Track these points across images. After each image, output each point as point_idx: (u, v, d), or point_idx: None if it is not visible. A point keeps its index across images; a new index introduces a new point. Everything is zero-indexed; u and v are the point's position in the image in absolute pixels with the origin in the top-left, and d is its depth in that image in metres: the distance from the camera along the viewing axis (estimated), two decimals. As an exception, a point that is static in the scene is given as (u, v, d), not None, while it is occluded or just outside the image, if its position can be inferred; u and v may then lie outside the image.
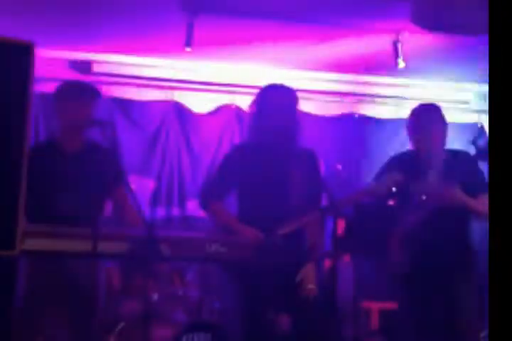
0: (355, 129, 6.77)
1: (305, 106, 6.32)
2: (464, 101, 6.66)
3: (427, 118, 3.70)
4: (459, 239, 3.64)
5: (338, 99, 6.74)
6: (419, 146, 3.73)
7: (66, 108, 3.51)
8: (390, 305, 5.96)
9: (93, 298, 3.42)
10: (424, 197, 3.57)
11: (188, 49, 5.30)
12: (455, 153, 3.75)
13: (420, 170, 3.66)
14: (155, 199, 6.19)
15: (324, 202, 3.47)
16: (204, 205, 3.64)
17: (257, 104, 3.63)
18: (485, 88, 6.57)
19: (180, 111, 6.49)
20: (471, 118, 6.80)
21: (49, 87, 5.70)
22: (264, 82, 3.78)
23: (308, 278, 3.49)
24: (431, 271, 3.55)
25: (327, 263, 4.92)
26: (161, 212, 6.20)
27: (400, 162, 3.80)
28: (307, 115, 6.44)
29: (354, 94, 6.74)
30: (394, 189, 3.61)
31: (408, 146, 3.90)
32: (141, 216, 3.12)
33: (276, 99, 3.57)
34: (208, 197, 3.63)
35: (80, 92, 3.53)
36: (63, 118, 3.54)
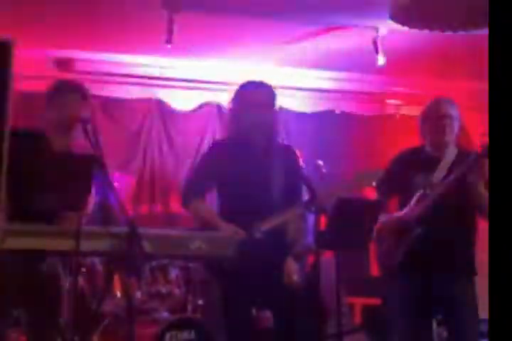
0: (336, 125, 6.81)
1: (287, 102, 6.37)
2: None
3: (439, 113, 3.69)
4: (460, 234, 3.65)
5: (320, 95, 6.77)
6: (430, 142, 3.73)
7: (57, 106, 3.51)
8: (373, 301, 6.01)
9: (76, 296, 3.41)
10: (428, 191, 3.59)
11: (169, 46, 5.29)
12: (465, 151, 3.76)
13: (429, 164, 3.68)
14: (137, 197, 6.19)
15: (305, 197, 3.48)
16: (185, 202, 3.63)
17: (235, 101, 3.63)
18: (465, 84, 6.62)
19: (162, 108, 6.50)
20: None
21: (30, 86, 5.71)
22: (245, 79, 3.79)
23: (291, 271, 3.51)
24: (429, 263, 3.57)
25: (310, 259, 4.93)
26: (143, 209, 6.20)
27: (409, 158, 3.81)
28: (289, 111, 6.48)
29: (335, 91, 6.77)
30: (374, 183, 3.63)
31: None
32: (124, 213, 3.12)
33: (253, 95, 3.57)
34: (189, 194, 3.63)
35: (71, 91, 3.54)
36: (53, 117, 3.54)
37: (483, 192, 3.48)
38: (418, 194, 3.62)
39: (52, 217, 3.25)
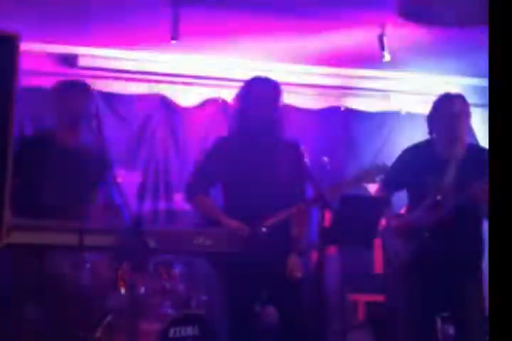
0: (341, 122, 6.79)
1: (292, 99, 6.36)
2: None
3: (453, 107, 3.64)
4: (471, 239, 3.64)
5: (325, 92, 6.76)
6: (441, 137, 3.68)
7: (65, 106, 3.55)
8: (377, 298, 6.01)
9: (80, 292, 3.42)
10: (439, 198, 3.56)
11: (173, 42, 5.29)
12: (473, 148, 3.74)
13: (438, 163, 3.65)
14: (142, 193, 6.19)
15: (310, 193, 3.48)
16: (189, 198, 3.63)
17: (241, 97, 3.63)
18: (471, 81, 6.61)
19: (166, 104, 6.48)
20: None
21: (35, 81, 5.71)
22: (250, 76, 3.78)
23: (295, 267, 3.50)
24: (437, 263, 3.56)
25: (314, 255, 4.93)
26: (147, 205, 6.20)
27: (417, 154, 3.78)
28: (293, 108, 6.46)
29: (340, 87, 6.75)
30: (378, 178, 3.62)
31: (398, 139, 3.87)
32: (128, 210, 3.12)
33: (259, 91, 3.57)
34: (193, 190, 3.63)
35: (80, 92, 3.58)
36: (60, 116, 3.58)
37: None
38: (429, 199, 3.59)
39: (60, 212, 3.27)
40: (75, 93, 3.59)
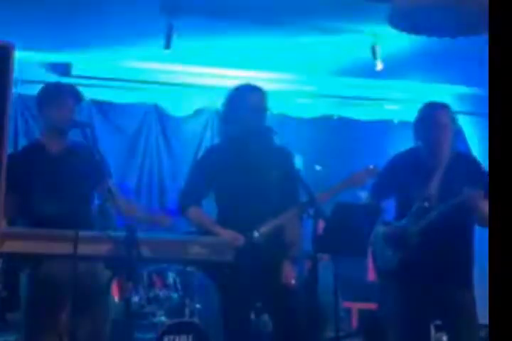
0: (334, 131, 6.81)
1: (285, 108, 6.38)
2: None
3: (437, 116, 3.68)
4: (460, 246, 3.65)
5: (317, 101, 6.78)
6: (426, 145, 3.71)
7: (49, 110, 3.52)
8: (371, 306, 6.01)
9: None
10: (426, 204, 3.58)
11: (167, 51, 5.31)
12: (459, 155, 3.76)
13: (424, 170, 3.68)
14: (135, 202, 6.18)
15: (303, 200, 3.47)
16: (182, 209, 3.61)
17: (228, 104, 3.62)
18: (461, 89, 6.65)
19: (160, 113, 6.50)
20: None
21: (28, 89, 5.71)
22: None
23: (289, 274, 3.50)
24: (426, 270, 3.56)
25: (307, 263, 4.94)
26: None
27: (404, 161, 3.80)
28: (287, 117, 6.49)
29: (332, 96, 6.78)
30: (369, 182, 3.63)
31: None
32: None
33: (246, 98, 3.56)
34: (185, 201, 3.60)
35: (63, 94, 3.54)
36: (47, 121, 3.56)
37: (482, 205, 3.45)
38: (417, 206, 3.61)
39: (55, 221, 3.26)
40: (62, 96, 3.54)
